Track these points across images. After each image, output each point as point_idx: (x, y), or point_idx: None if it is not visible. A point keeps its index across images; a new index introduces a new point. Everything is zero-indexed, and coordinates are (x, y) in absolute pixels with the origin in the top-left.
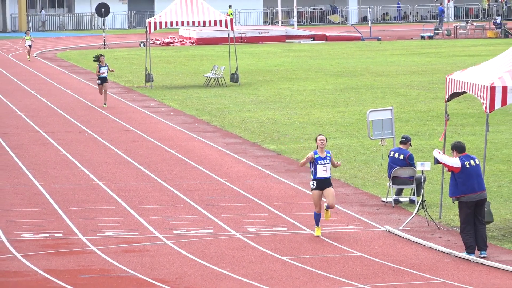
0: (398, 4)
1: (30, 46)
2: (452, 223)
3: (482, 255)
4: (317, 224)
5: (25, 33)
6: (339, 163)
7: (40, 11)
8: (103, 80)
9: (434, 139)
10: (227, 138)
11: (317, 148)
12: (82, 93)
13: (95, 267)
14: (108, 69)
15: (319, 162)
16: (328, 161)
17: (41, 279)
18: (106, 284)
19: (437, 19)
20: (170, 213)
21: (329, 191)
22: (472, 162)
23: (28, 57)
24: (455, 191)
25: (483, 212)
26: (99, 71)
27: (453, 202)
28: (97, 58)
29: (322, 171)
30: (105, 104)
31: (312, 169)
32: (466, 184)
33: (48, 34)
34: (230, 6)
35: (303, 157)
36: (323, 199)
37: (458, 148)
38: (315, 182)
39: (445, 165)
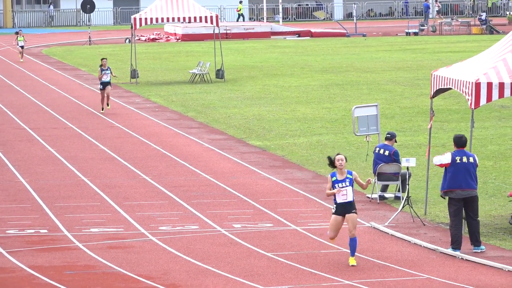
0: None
1: (22, 47)
2: (437, 219)
3: (475, 251)
4: (352, 255)
5: (17, 33)
6: (366, 182)
7: (49, 6)
8: (105, 85)
9: (419, 135)
10: (212, 134)
11: (335, 169)
12: (67, 89)
13: (80, 263)
14: (111, 73)
15: (336, 185)
16: (347, 183)
17: (26, 276)
18: (92, 280)
19: (422, 15)
20: (155, 209)
21: (350, 217)
22: (465, 159)
23: (20, 59)
24: (443, 185)
25: (475, 209)
26: (101, 75)
27: (442, 197)
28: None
29: (342, 195)
30: (108, 106)
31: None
32: (454, 179)
33: (35, 31)
34: (241, 2)
35: (288, 153)
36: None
37: (456, 142)
38: (335, 206)
39: (440, 164)
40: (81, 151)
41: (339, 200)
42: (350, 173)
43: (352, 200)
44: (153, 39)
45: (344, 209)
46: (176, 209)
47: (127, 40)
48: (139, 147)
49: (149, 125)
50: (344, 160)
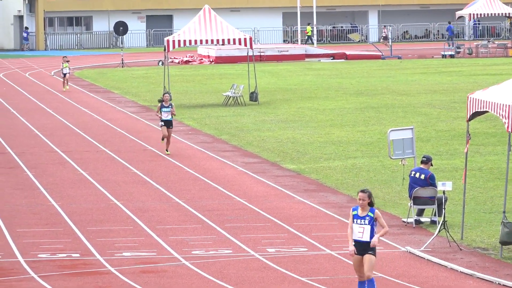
0: (475, 22)
1: (65, 74)
2: (474, 244)
3: None
4: None
5: (63, 59)
6: (377, 238)
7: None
8: (167, 124)
9: (456, 159)
10: (246, 157)
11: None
12: (99, 112)
13: None
14: (172, 110)
15: (355, 221)
16: (366, 222)
17: None
18: None
19: (457, 37)
20: (188, 233)
21: (367, 258)
22: None
23: (65, 87)
24: None
25: None
26: (159, 112)
27: None
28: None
29: (358, 232)
30: (167, 151)
31: None
32: None
33: (69, 53)
34: (309, 24)
35: (323, 177)
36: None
37: None
38: (354, 243)
39: None
40: (114, 174)
41: (354, 237)
42: (373, 212)
43: (368, 241)
44: (187, 62)
45: (362, 248)
46: (210, 233)
47: (160, 63)
48: (172, 171)
49: (182, 148)
50: (366, 199)
